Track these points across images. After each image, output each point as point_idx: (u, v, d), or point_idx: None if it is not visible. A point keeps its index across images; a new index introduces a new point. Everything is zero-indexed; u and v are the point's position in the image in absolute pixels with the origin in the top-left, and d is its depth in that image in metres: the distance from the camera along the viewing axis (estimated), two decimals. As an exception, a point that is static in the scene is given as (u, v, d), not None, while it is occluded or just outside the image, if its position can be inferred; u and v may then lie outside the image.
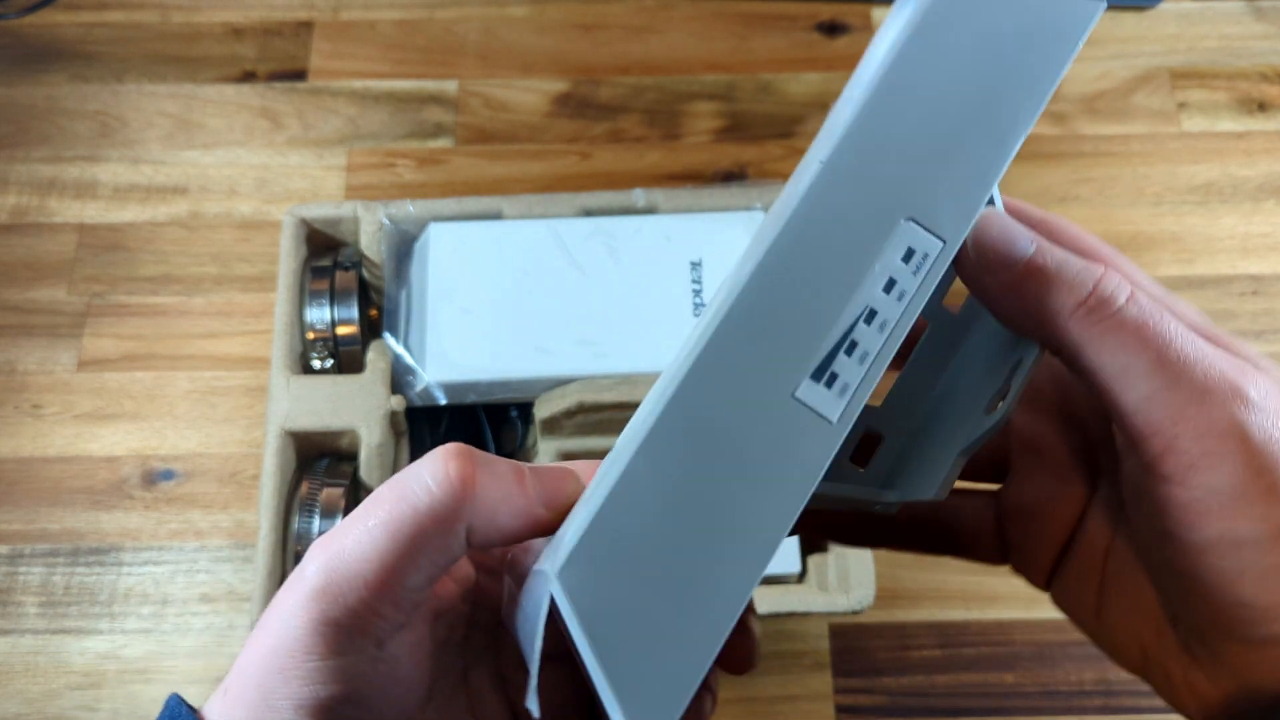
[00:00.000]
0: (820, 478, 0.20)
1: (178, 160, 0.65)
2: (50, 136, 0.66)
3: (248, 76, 0.68)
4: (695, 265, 0.54)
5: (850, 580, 0.48)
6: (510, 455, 0.47)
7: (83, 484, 0.57)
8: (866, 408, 0.21)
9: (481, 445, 0.46)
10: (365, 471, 0.51)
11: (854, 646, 0.54)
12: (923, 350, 0.25)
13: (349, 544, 0.21)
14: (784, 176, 0.65)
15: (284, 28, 0.69)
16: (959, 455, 0.24)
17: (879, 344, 0.20)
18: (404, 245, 0.56)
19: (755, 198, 0.56)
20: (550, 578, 0.19)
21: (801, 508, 0.19)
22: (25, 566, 0.55)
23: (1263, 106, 0.67)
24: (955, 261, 0.22)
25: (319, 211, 0.56)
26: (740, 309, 0.20)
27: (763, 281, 0.20)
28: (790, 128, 0.66)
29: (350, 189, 0.64)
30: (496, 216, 0.56)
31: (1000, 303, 0.22)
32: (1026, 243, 0.22)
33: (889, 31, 0.22)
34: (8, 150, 0.65)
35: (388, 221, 0.55)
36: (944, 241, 0.21)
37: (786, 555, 0.50)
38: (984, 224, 0.22)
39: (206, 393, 0.59)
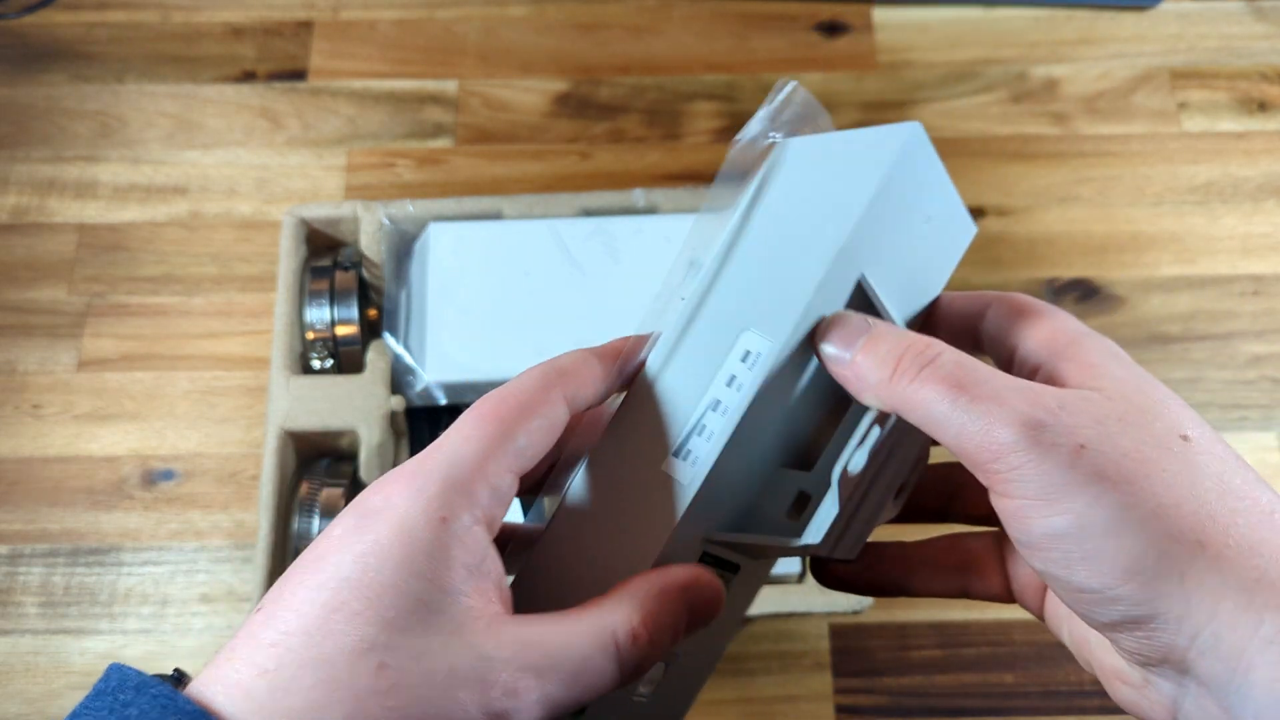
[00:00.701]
0: (679, 517, 0.26)
1: (178, 160, 0.65)
2: (50, 136, 0.66)
3: (248, 76, 0.68)
4: (695, 265, 0.53)
5: (850, 580, 0.48)
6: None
7: (82, 484, 0.57)
8: (800, 473, 0.27)
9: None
10: (365, 472, 0.51)
11: (854, 647, 0.54)
12: (844, 426, 0.29)
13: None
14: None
15: (284, 28, 0.69)
16: (865, 527, 0.28)
17: (720, 426, 0.26)
18: (404, 245, 0.56)
19: (755, 198, 0.55)
20: None
21: (666, 537, 0.26)
22: (25, 566, 0.55)
23: (1263, 106, 0.67)
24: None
25: (319, 211, 0.56)
26: (633, 402, 0.27)
27: (645, 387, 0.27)
28: (790, 128, 0.66)
29: (350, 189, 0.64)
30: (496, 216, 0.56)
31: (845, 383, 0.26)
32: (862, 328, 0.26)
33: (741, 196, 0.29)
34: (8, 150, 0.65)
35: (387, 221, 0.55)
36: (773, 341, 0.26)
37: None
38: (831, 324, 0.26)
39: (206, 393, 0.59)
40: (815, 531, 0.26)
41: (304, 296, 0.55)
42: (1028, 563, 0.24)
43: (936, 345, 0.25)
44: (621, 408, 0.28)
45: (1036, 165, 0.66)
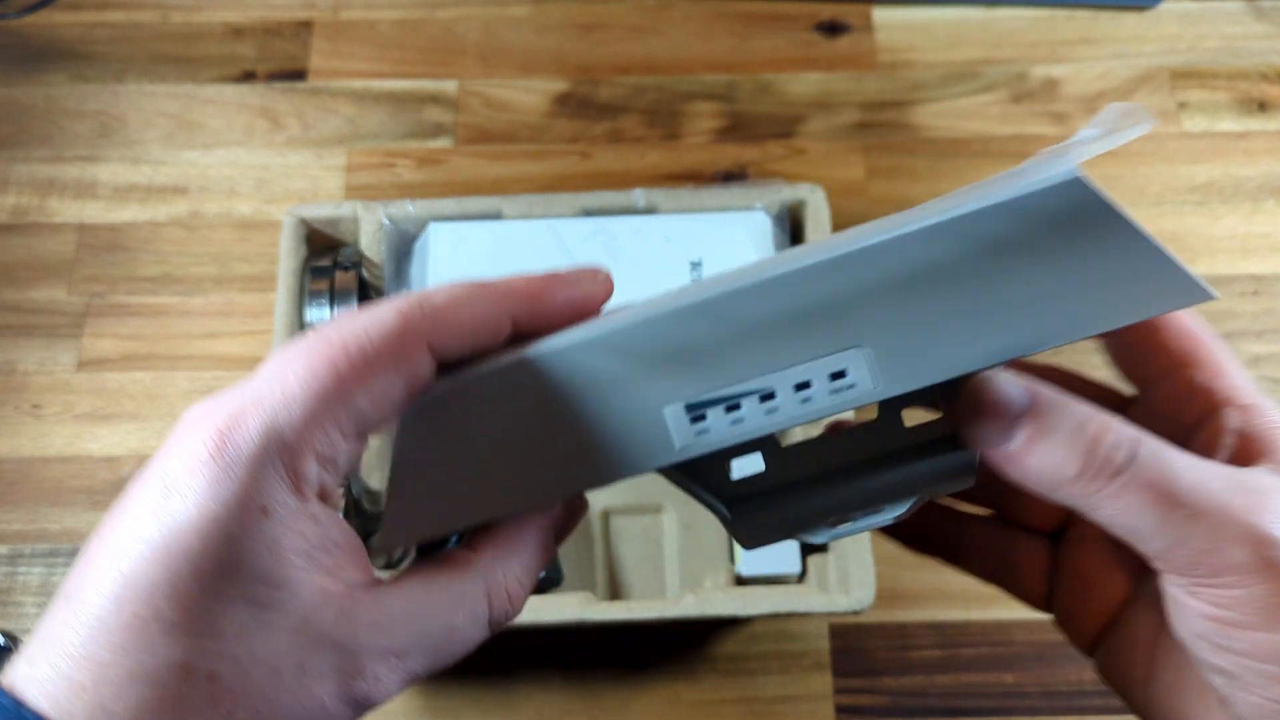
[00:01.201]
0: (632, 473, 0.22)
1: (178, 160, 0.65)
2: (50, 136, 0.66)
3: (247, 76, 0.68)
4: (695, 265, 0.53)
5: (850, 580, 0.48)
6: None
7: (83, 484, 0.57)
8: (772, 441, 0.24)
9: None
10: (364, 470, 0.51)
11: (854, 647, 0.54)
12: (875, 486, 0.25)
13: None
14: (784, 176, 0.65)
15: (284, 28, 0.69)
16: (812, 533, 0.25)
17: (755, 423, 0.22)
18: (404, 245, 0.56)
19: (755, 198, 0.55)
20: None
21: (605, 484, 0.22)
22: (25, 566, 0.55)
23: (1263, 106, 0.67)
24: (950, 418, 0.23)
25: (319, 211, 0.56)
26: (687, 313, 0.21)
27: (722, 306, 0.21)
28: (790, 128, 0.66)
29: (350, 189, 0.64)
30: (496, 216, 0.56)
31: (1007, 475, 0.22)
32: (1021, 399, 0.21)
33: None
34: (8, 150, 0.65)
35: (388, 221, 0.55)
36: (875, 386, 0.21)
37: (787, 556, 0.50)
38: (980, 390, 0.22)
39: (206, 393, 0.59)
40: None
41: (304, 296, 0.55)
42: (1192, 650, 0.22)
43: (1124, 432, 0.21)
44: (619, 314, 0.23)
45: (1036, 165, 0.65)
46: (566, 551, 0.53)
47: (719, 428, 0.22)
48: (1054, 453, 0.21)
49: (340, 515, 0.22)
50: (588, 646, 0.53)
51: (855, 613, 0.48)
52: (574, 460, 0.22)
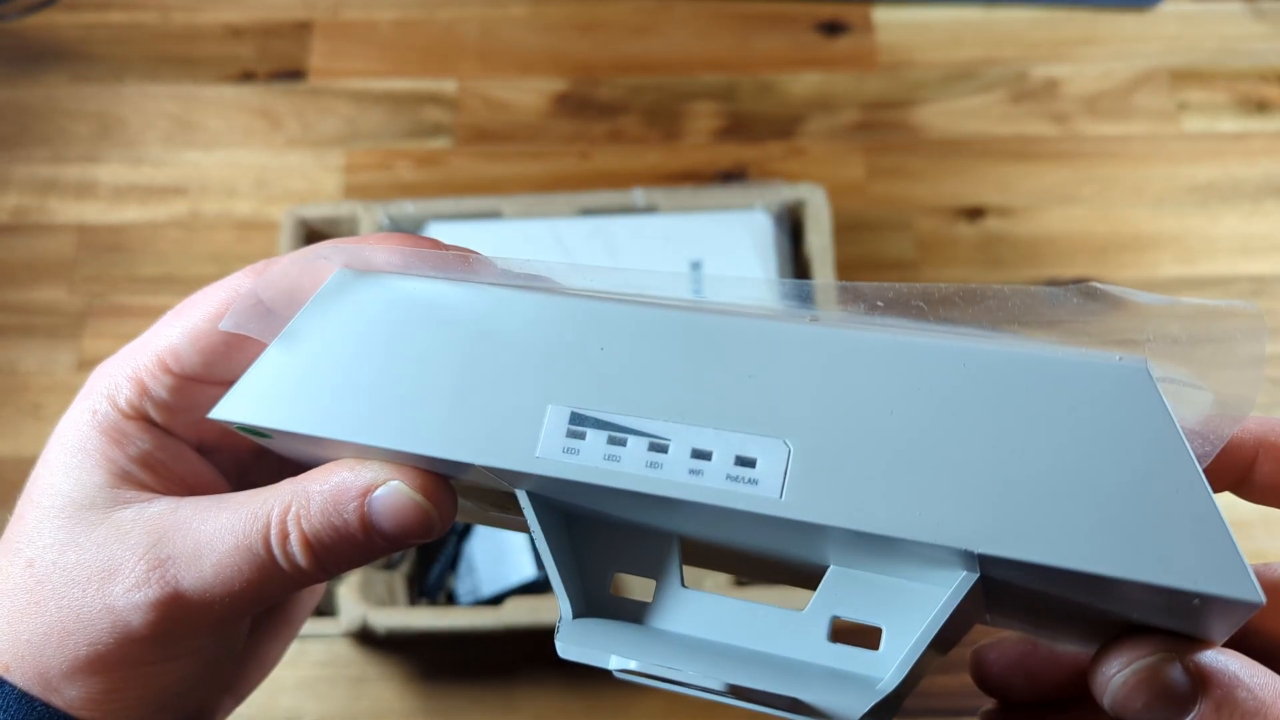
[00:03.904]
0: (484, 461, 0.19)
1: (177, 160, 0.65)
2: (50, 137, 0.66)
3: (247, 77, 0.68)
4: (695, 265, 0.53)
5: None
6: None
7: (82, 484, 0.57)
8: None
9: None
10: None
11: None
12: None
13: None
14: (784, 176, 0.65)
15: (283, 28, 0.69)
16: None
17: (628, 469, 0.18)
18: (403, 245, 0.56)
19: (755, 198, 0.55)
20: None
21: (451, 457, 0.19)
22: (25, 567, 0.55)
23: (1263, 107, 0.67)
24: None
25: (318, 212, 0.56)
26: (635, 315, 0.19)
27: (662, 326, 0.19)
28: (790, 128, 0.66)
29: (349, 189, 0.64)
30: (496, 216, 0.56)
31: None
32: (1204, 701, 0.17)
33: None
34: (8, 150, 0.65)
35: (387, 221, 0.55)
36: (779, 496, 0.17)
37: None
38: (1136, 676, 0.17)
39: (206, 393, 0.59)
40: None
41: (304, 297, 0.55)
42: None
43: None
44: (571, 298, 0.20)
45: (1037, 165, 0.65)
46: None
47: (590, 456, 0.18)
48: None
49: (192, 450, 0.24)
50: (587, 647, 0.53)
51: (855, 613, 0.48)
52: (435, 416, 0.19)
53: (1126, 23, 0.70)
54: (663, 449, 0.18)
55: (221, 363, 0.23)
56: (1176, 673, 0.17)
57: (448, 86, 0.68)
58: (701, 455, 0.18)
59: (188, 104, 0.67)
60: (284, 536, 0.21)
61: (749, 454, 0.17)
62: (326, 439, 0.21)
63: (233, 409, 0.22)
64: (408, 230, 0.56)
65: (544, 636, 0.52)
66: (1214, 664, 0.17)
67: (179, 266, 0.62)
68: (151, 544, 0.22)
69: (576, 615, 0.21)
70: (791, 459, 0.17)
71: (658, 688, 0.20)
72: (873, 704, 0.18)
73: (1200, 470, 0.16)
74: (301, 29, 0.69)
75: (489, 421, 0.19)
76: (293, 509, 0.21)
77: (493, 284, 0.21)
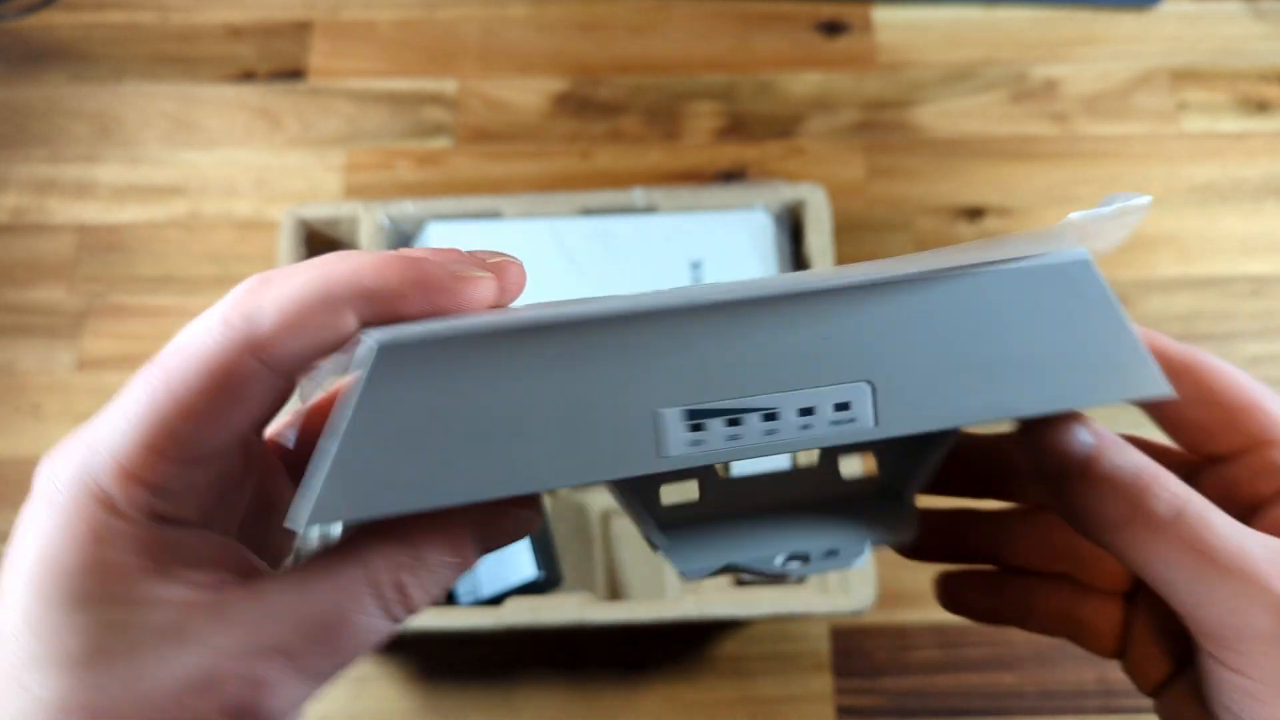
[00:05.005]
0: (606, 476, 0.21)
1: (177, 160, 0.65)
2: (50, 136, 0.66)
3: (247, 76, 0.68)
4: (695, 265, 0.53)
5: (851, 582, 0.48)
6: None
7: (82, 484, 0.57)
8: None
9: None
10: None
11: (854, 648, 0.54)
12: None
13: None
14: (784, 176, 0.65)
15: (283, 28, 0.69)
16: (722, 571, 0.25)
17: (753, 441, 0.21)
18: (403, 245, 0.56)
19: (755, 198, 0.55)
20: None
21: (575, 483, 0.21)
22: (24, 567, 0.55)
23: (1263, 106, 0.67)
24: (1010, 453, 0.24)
25: (318, 212, 0.56)
26: (715, 309, 0.20)
27: (743, 314, 0.20)
28: (790, 127, 0.66)
29: (349, 189, 0.64)
30: (496, 216, 0.56)
31: (1052, 504, 0.23)
32: (1084, 440, 0.22)
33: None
34: (6, 150, 0.65)
35: (387, 221, 0.55)
36: (874, 425, 0.21)
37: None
38: (1054, 431, 0.22)
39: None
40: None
41: (303, 297, 0.55)
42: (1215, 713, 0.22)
43: (1173, 487, 0.22)
44: (630, 298, 0.21)
45: (1036, 165, 0.65)
46: (566, 553, 0.53)
47: (715, 441, 0.21)
48: (1104, 499, 0.22)
49: (205, 529, 0.20)
50: (588, 647, 0.53)
51: (856, 614, 0.48)
52: (544, 450, 0.20)
53: (1126, 23, 0.70)
54: (774, 416, 0.21)
55: (218, 435, 0.20)
56: (1084, 432, 0.23)
57: (448, 86, 0.68)
58: (807, 412, 0.21)
59: (187, 104, 0.67)
60: (399, 608, 0.20)
61: (843, 400, 0.21)
62: (454, 506, 0.20)
63: (330, 509, 0.19)
64: (408, 230, 0.56)
65: (544, 636, 0.52)
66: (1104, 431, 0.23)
67: (178, 266, 0.62)
68: (248, 639, 0.19)
69: (670, 541, 0.24)
70: (875, 394, 0.21)
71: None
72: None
73: (1129, 325, 0.22)
74: (301, 29, 0.69)
75: (606, 439, 0.21)
76: (392, 577, 0.20)
77: (538, 313, 0.21)
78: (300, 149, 0.65)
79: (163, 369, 0.19)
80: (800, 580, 0.50)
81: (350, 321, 0.19)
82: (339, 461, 0.19)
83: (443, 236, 0.54)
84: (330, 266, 0.19)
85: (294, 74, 0.68)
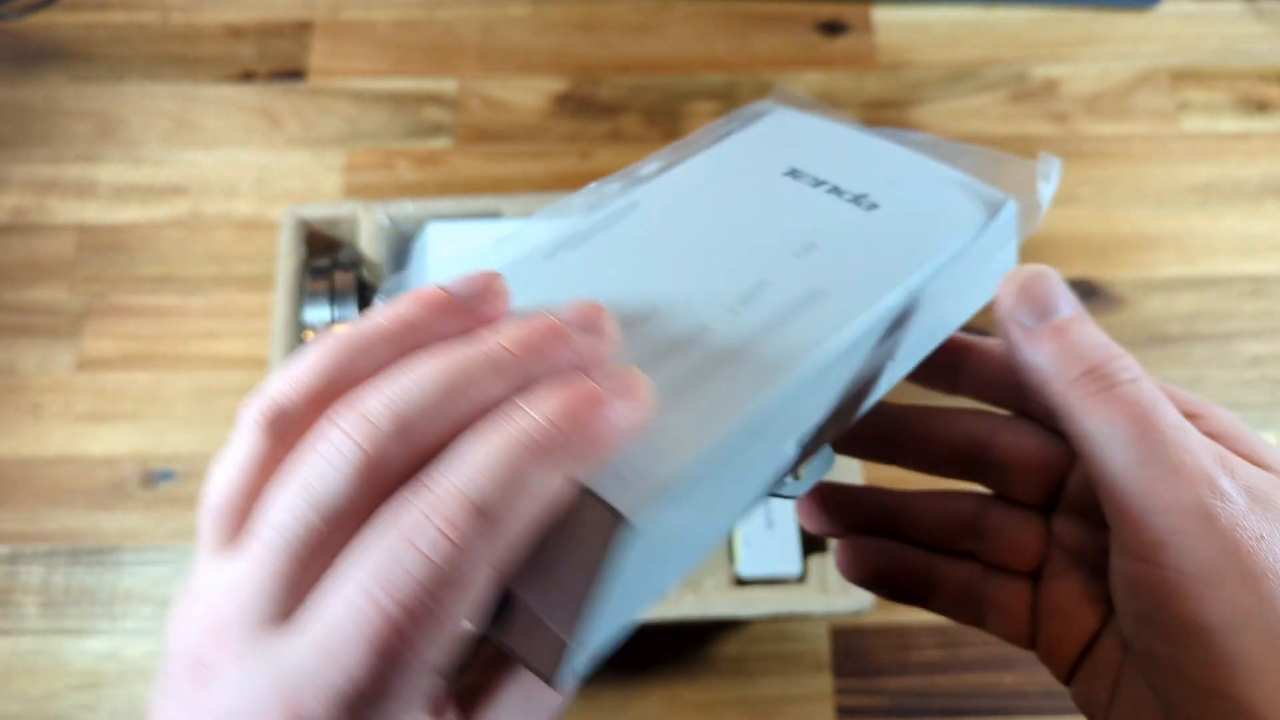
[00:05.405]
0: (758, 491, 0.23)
1: (177, 160, 0.65)
2: (50, 136, 0.66)
3: (247, 76, 0.68)
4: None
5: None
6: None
7: (82, 484, 0.57)
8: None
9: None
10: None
11: (854, 648, 0.54)
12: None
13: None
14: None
15: (283, 28, 0.69)
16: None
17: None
18: (403, 245, 0.56)
19: (755, 198, 0.55)
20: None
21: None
22: (25, 566, 0.55)
23: (1263, 106, 0.67)
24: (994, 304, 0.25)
25: (318, 211, 0.56)
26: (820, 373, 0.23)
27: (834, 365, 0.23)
28: (790, 128, 0.66)
29: (349, 189, 0.64)
30: (496, 216, 0.56)
31: (1018, 352, 0.23)
32: (1068, 307, 0.23)
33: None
34: (7, 150, 0.65)
35: (387, 221, 0.55)
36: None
37: (788, 557, 0.50)
38: (1036, 278, 0.24)
39: (205, 393, 0.59)
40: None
41: (303, 297, 0.55)
42: (1149, 647, 0.22)
43: (1136, 366, 0.22)
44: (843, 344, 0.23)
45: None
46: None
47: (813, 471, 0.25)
48: (1069, 346, 0.22)
49: None
50: (587, 647, 0.53)
51: (856, 614, 0.48)
52: (732, 512, 0.22)
53: (1126, 23, 0.70)
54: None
55: None
56: (1072, 294, 0.24)
57: (448, 86, 0.68)
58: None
59: (188, 104, 0.67)
60: None
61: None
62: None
63: (586, 655, 0.20)
64: (408, 231, 0.56)
65: (544, 636, 0.52)
66: None
67: (179, 266, 0.62)
68: None
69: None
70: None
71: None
72: None
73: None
74: (301, 29, 0.69)
75: (764, 483, 0.23)
76: None
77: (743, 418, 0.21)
78: (300, 149, 0.65)
79: (394, 613, 0.17)
80: (801, 580, 0.50)
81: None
82: (594, 617, 0.19)
83: (442, 236, 0.54)
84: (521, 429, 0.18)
85: (294, 74, 0.68)
